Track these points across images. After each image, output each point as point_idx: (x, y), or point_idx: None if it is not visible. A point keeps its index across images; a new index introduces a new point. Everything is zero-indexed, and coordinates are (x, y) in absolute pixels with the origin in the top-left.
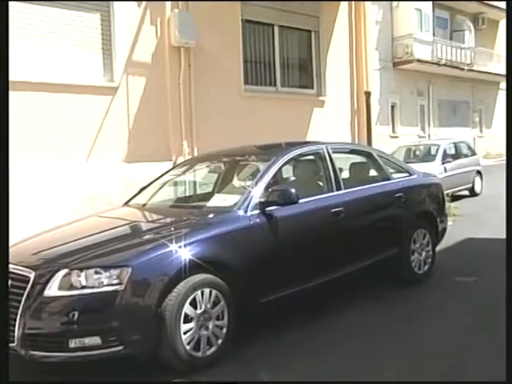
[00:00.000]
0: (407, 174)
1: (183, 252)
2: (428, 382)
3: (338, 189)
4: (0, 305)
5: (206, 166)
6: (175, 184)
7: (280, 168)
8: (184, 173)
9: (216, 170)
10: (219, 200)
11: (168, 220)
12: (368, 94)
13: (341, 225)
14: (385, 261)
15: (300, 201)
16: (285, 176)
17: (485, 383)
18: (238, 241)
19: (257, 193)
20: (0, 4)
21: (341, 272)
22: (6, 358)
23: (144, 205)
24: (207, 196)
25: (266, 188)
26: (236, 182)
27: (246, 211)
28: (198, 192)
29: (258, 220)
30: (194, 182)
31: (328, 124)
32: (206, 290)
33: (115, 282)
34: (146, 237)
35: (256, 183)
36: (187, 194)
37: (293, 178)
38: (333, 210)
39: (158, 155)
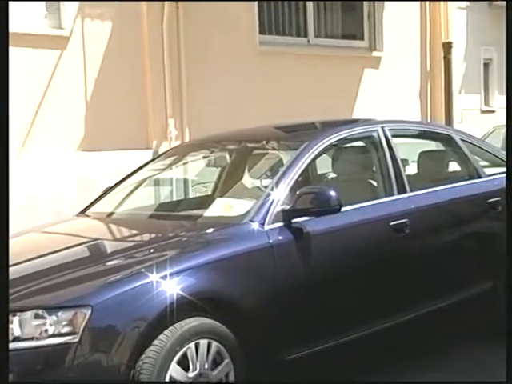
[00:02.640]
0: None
1: (169, 285)
2: (428, 382)
3: (401, 191)
4: (0, 305)
5: (203, 157)
6: (156, 183)
7: (313, 160)
8: (170, 167)
9: (218, 163)
10: (222, 207)
11: (146, 237)
12: (448, 47)
13: (405, 245)
14: (473, 300)
15: (343, 209)
16: (320, 172)
17: (485, 383)
18: (251, 269)
19: (279, 197)
20: (0, 4)
21: (404, 316)
22: (6, 358)
23: (110, 214)
24: (204, 201)
25: (293, 190)
26: (247, 181)
27: (262, 224)
28: (191, 195)
29: (280, 237)
30: (185, 181)
31: (386, 93)
32: (203, 343)
33: (66, 330)
34: (112, 262)
35: (277, 182)
36: (174, 199)
37: (332, 175)
38: (392, 223)
39: (131, 140)
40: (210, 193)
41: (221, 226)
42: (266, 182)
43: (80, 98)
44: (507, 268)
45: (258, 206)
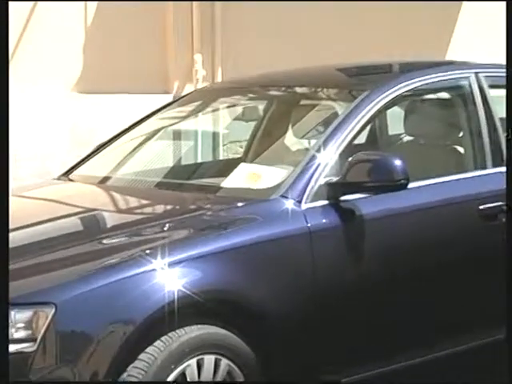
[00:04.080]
0: None
1: (167, 278)
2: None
3: (497, 163)
4: (0, 304)
5: (234, 105)
6: (173, 137)
7: (375, 115)
8: (191, 115)
9: (252, 115)
10: (247, 176)
11: (143, 214)
12: None
13: (498, 237)
14: None
15: (412, 185)
16: (385, 133)
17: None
18: (280, 262)
19: (323, 165)
20: (0, 4)
21: (496, 332)
22: (5, 358)
23: (102, 180)
24: (231, 166)
25: (344, 156)
26: (289, 140)
27: (298, 201)
28: (221, 156)
29: (322, 220)
30: (214, 136)
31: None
32: (208, 359)
33: (21, 335)
34: (93, 245)
35: (323, 145)
36: (193, 161)
37: (402, 138)
38: (482, 207)
39: (144, 81)
40: (239, 155)
41: (241, 201)
42: (312, 142)
43: (76, 23)
44: (507, 267)
45: (295, 176)
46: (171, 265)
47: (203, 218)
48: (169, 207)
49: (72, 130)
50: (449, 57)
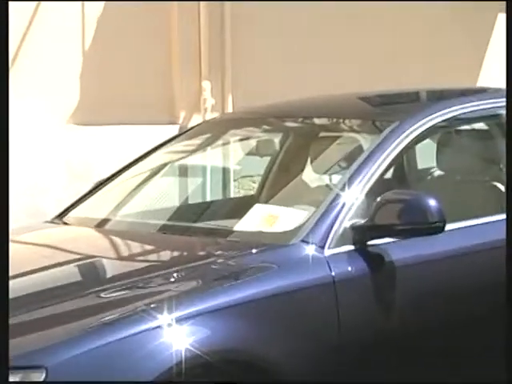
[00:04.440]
0: None
1: (174, 337)
2: (428, 383)
3: None
4: (0, 304)
5: (247, 138)
6: (178, 174)
7: (405, 149)
8: (199, 149)
9: (266, 148)
10: (263, 218)
11: (146, 263)
12: None
13: None
14: None
15: (449, 227)
16: (416, 168)
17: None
18: (302, 315)
19: (349, 205)
20: (0, 4)
21: None
22: (5, 358)
23: (103, 222)
24: (242, 205)
25: (371, 195)
26: (308, 177)
27: (321, 246)
28: (231, 193)
29: (347, 268)
30: (224, 171)
31: None
32: None
33: None
34: (90, 299)
35: (349, 181)
36: (201, 200)
37: (435, 174)
38: None
39: (147, 111)
40: (253, 193)
41: (256, 247)
42: (335, 179)
43: (74, 47)
44: (507, 267)
45: (316, 218)
46: (177, 321)
47: (212, 266)
48: (174, 254)
49: (68, 164)
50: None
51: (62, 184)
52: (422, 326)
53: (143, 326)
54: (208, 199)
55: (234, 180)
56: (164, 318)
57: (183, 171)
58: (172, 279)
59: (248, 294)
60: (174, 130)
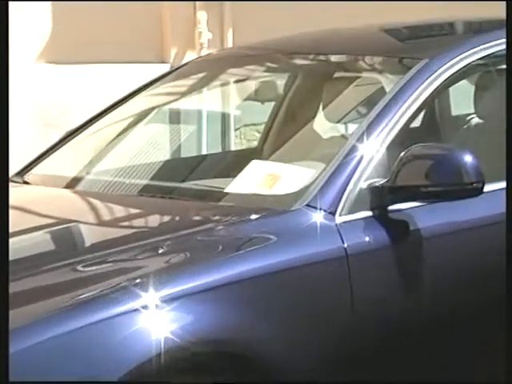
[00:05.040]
0: None
1: (151, 322)
2: (428, 382)
3: None
4: (0, 302)
5: (249, 79)
6: (168, 120)
7: (439, 91)
8: (193, 92)
9: (271, 92)
10: (261, 177)
11: (121, 234)
12: None
13: None
14: None
15: (488, 187)
16: (449, 114)
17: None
18: (309, 296)
19: (367, 160)
20: (0, 4)
21: None
22: (5, 358)
23: (73, 181)
24: (241, 160)
25: (394, 147)
26: (320, 126)
27: (331, 212)
28: (228, 147)
29: (365, 238)
30: (223, 117)
31: None
32: None
33: None
34: (55, 275)
35: (368, 131)
36: (194, 153)
37: (475, 121)
38: None
39: (132, 48)
40: (255, 145)
41: (253, 214)
42: (351, 129)
43: None
44: (507, 267)
45: (326, 177)
46: (160, 303)
47: (199, 237)
48: (155, 222)
49: (40, 109)
50: None
51: (31, 134)
52: (453, 310)
53: (114, 310)
54: (203, 152)
55: (235, 129)
56: (147, 299)
57: (173, 117)
58: (152, 252)
59: (242, 270)
60: (163, 69)
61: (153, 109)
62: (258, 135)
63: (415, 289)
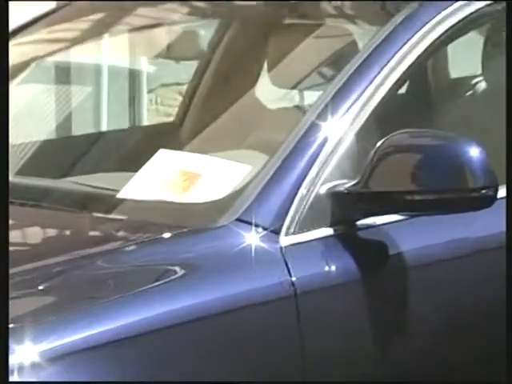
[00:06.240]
0: None
1: None
2: (427, 382)
3: None
4: (0, 302)
5: (161, 24)
6: (52, 79)
7: (434, 47)
8: (88, 39)
9: (191, 47)
10: (171, 175)
11: None
12: None
13: None
14: None
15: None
16: (446, 76)
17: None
18: (245, 352)
19: (329, 149)
20: (0, 4)
21: None
22: (5, 358)
23: None
24: (154, 145)
25: (368, 132)
26: (264, 94)
27: (275, 230)
28: (139, 119)
29: (324, 268)
30: (130, 76)
31: None
32: None
33: None
34: None
35: (332, 106)
36: (89, 129)
37: (482, 88)
38: None
39: None
40: (175, 119)
41: (154, 233)
42: (307, 101)
43: None
44: (507, 267)
45: (268, 177)
46: (38, 362)
47: (73, 270)
48: (21, 243)
49: None
50: None
51: None
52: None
53: None
54: (101, 128)
55: (149, 90)
56: (21, 354)
57: (59, 75)
58: (23, 289)
59: (137, 319)
60: (48, 6)
61: (29, 62)
62: (181, 99)
63: (395, 342)
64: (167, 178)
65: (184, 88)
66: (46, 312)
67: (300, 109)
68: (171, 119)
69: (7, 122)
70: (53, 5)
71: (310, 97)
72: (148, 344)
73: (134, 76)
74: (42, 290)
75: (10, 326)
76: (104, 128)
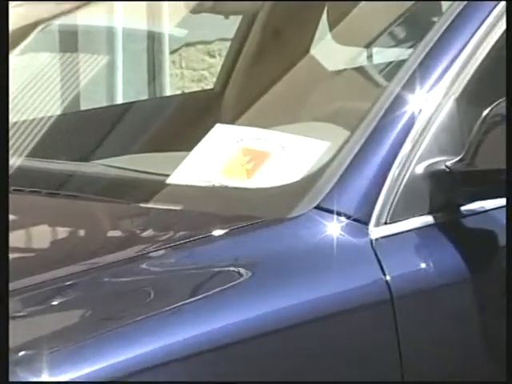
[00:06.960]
0: None
1: None
2: (427, 382)
3: None
4: (0, 303)
5: None
6: (58, 45)
7: None
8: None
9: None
10: (231, 155)
11: None
12: None
13: None
14: None
15: None
16: None
17: (486, 383)
18: (333, 367)
19: (422, 123)
20: (0, 4)
21: None
22: (5, 358)
23: None
24: (189, 119)
25: (470, 100)
26: (327, 55)
27: (365, 220)
28: (163, 88)
29: (422, 265)
30: (150, 39)
31: None
32: None
33: None
34: None
35: (421, 69)
36: (105, 102)
37: None
38: None
39: None
40: (214, 86)
41: (220, 226)
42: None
43: None
44: (507, 267)
45: (350, 157)
46: None
47: (113, 278)
48: (42, 244)
49: None
50: None
51: None
52: None
53: None
54: (119, 100)
55: (172, 52)
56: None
57: (67, 41)
58: (44, 303)
59: (198, 333)
60: None
61: (32, 27)
62: (212, 61)
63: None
64: (227, 159)
65: (210, 48)
66: (77, 331)
67: (371, 71)
68: (207, 86)
69: (7, 96)
70: (53, 5)
71: (380, 57)
72: (215, 363)
73: (152, 36)
74: (68, 303)
75: (22, 353)
76: (120, 100)
